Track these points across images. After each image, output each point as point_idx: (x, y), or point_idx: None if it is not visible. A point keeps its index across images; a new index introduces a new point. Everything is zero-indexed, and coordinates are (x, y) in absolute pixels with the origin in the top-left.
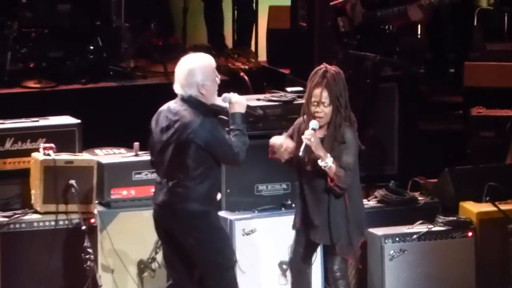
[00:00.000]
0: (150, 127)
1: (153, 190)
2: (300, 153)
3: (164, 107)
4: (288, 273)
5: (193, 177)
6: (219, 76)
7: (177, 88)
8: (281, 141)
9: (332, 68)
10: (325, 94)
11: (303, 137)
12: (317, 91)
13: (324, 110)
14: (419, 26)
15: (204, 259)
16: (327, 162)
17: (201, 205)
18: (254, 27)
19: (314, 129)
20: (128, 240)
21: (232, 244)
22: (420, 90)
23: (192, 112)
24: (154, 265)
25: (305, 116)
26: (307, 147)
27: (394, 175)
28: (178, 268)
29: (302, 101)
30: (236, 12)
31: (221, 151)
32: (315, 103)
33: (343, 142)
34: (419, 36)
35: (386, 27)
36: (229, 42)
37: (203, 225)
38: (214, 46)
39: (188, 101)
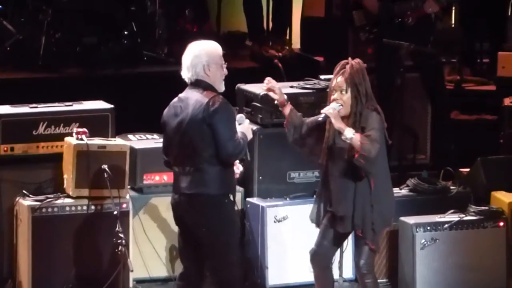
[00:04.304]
0: (162, 121)
1: None
2: (320, 118)
3: (175, 99)
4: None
5: (205, 160)
6: (225, 64)
7: (184, 72)
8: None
9: (354, 61)
10: (341, 80)
11: (322, 110)
12: (335, 79)
13: (342, 98)
14: (453, 16)
15: (213, 250)
16: (347, 133)
17: (216, 190)
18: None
19: (334, 108)
20: (160, 225)
21: (238, 242)
22: (453, 80)
23: (201, 93)
24: None
25: None
26: (326, 117)
27: (427, 164)
28: (190, 258)
29: None
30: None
31: (223, 131)
32: (334, 90)
33: (365, 127)
34: (453, 26)
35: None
36: None
37: (216, 215)
38: (250, 33)
39: (197, 84)
